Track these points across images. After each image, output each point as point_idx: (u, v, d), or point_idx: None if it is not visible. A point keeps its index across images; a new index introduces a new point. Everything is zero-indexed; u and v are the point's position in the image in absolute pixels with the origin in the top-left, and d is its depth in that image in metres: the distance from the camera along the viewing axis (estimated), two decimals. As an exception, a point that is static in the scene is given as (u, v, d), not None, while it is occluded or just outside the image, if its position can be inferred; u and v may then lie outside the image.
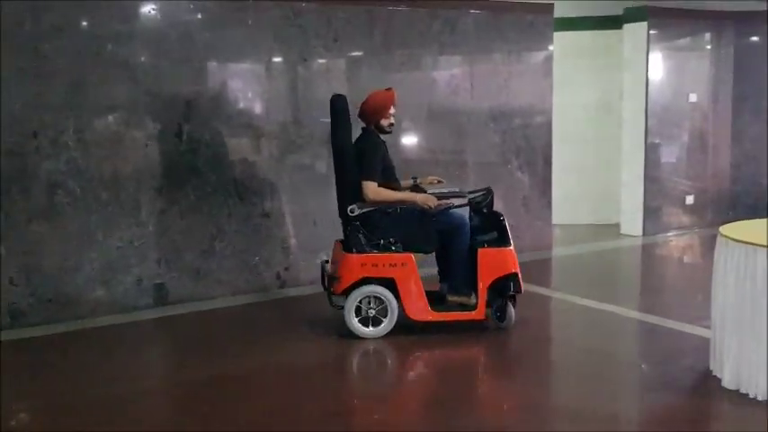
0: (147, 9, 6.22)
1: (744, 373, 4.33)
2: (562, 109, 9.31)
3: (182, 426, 4.23)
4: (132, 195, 6.22)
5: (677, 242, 9.07)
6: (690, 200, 9.51)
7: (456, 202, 5.70)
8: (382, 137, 5.66)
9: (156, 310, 6.30)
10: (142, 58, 6.22)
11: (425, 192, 5.72)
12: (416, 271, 5.47)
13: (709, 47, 9.60)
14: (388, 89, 5.67)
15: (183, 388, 4.82)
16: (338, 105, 5.60)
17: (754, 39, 9.79)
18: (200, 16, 6.44)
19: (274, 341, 5.56)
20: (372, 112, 5.59)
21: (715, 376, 4.57)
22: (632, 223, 9.28)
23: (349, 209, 5.45)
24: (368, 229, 5.48)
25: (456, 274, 5.56)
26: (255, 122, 6.77)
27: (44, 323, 5.88)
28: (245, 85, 6.76)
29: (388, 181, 5.58)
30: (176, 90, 6.36)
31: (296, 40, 6.82)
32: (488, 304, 5.54)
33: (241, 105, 6.73)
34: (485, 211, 5.65)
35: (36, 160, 5.85)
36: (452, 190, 5.89)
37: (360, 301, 5.47)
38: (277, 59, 6.84)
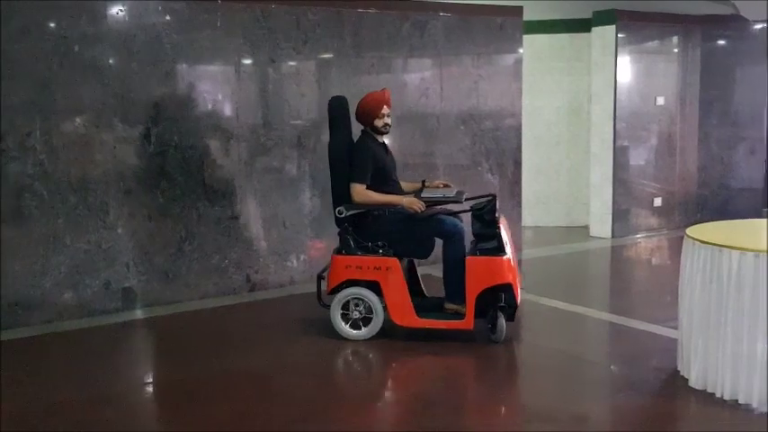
0: (115, 10, 6.17)
1: (710, 373, 4.38)
2: (532, 112, 9.38)
3: (151, 429, 4.20)
4: (100, 198, 6.17)
5: (646, 244, 9.15)
6: (658, 202, 9.61)
7: (456, 207, 5.63)
8: (380, 138, 5.67)
9: (125, 313, 6.24)
10: (110, 60, 6.16)
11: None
12: (402, 275, 5.42)
13: (676, 50, 9.70)
14: (383, 90, 5.67)
15: (152, 392, 4.80)
16: (333, 106, 5.64)
17: (721, 42, 9.93)
18: (168, 18, 6.39)
19: (245, 344, 5.54)
20: (365, 113, 5.58)
21: (682, 376, 4.62)
22: (601, 225, 9.35)
23: (337, 210, 5.44)
24: (359, 232, 5.47)
25: (450, 281, 5.47)
26: (224, 124, 6.73)
27: (10, 327, 5.81)
28: (214, 88, 6.72)
29: (386, 182, 5.56)
30: (145, 92, 6.31)
31: (265, 41, 6.80)
32: (484, 315, 5.39)
33: (210, 107, 6.69)
34: (486, 218, 5.48)
35: (2, 163, 5.77)
36: (447, 195, 5.64)
37: (348, 303, 5.46)
38: (246, 61, 6.81)
